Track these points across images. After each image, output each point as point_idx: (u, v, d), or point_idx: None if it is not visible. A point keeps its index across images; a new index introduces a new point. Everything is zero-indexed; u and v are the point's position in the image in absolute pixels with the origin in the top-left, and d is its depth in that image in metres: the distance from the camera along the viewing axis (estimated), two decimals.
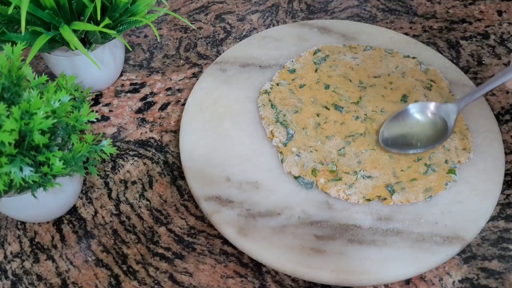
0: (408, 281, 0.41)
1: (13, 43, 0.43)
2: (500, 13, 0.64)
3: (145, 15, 0.48)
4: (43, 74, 0.39)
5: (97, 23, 0.45)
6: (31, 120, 0.33)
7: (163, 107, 0.54)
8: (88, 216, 0.45)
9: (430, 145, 0.46)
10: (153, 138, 0.51)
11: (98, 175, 0.48)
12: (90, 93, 0.51)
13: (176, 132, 0.51)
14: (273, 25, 0.63)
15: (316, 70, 0.53)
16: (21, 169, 0.34)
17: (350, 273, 0.39)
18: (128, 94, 0.55)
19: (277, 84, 0.52)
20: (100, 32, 0.45)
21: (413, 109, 0.48)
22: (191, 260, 0.42)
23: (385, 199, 0.43)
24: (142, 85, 0.56)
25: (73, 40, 0.42)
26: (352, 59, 0.54)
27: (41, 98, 0.36)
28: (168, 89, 0.55)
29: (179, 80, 0.56)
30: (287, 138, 0.47)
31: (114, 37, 0.49)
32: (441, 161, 0.45)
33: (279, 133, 0.47)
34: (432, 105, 0.48)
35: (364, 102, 0.50)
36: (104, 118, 0.53)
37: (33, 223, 0.44)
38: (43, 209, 0.42)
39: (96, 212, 0.45)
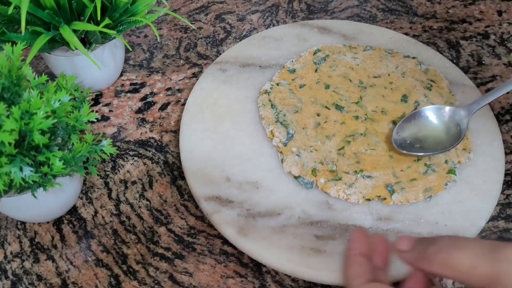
0: None
1: (13, 43, 0.43)
2: (500, 13, 0.64)
3: (145, 15, 0.48)
4: (43, 74, 0.39)
5: (97, 23, 0.45)
6: (31, 120, 0.33)
7: (163, 107, 0.54)
8: (88, 216, 0.45)
9: (443, 149, 0.45)
10: (153, 138, 0.51)
11: (98, 175, 0.48)
12: (90, 93, 0.51)
13: (176, 132, 0.51)
14: (273, 25, 0.63)
15: (316, 70, 0.53)
16: (21, 169, 0.34)
17: None
18: (128, 94, 0.55)
19: (277, 84, 0.52)
20: (100, 32, 0.45)
21: (427, 111, 0.48)
22: (191, 260, 0.42)
23: (384, 199, 0.43)
24: (142, 85, 0.56)
25: (73, 40, 0.42)
26: (352, 59, 0.54)
27: (41, 98, 0.36)
28: (168, 89, 0.55)
29: (179, 80, 0.56)
30: (287, 138, 0.47)
31: (114, 37, 0.49)
32: (441, 161, 0.45)
33: (279, 133, 0.47)
34: (446, 109, 0.48)
35: (364, 102, 0.50)
36: (104, 118, 0.53)
37: (33, 223, 0.44)
38: (43, 209, 0.42)
39: (96, 212, 0.45)
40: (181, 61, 0.58)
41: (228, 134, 0.48)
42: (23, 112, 0.33)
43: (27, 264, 0.42)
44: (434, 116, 0.48)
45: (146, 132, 0.51)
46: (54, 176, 0.36)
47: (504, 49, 0.59)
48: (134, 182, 0.47)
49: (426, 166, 0.45)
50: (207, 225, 0.44)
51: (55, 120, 0.35)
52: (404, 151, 0.45)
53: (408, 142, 0.46)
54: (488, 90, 0.55)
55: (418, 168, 0.45)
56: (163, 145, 0.50)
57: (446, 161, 0.45)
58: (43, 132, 0.34)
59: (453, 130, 0.47)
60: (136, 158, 0.49)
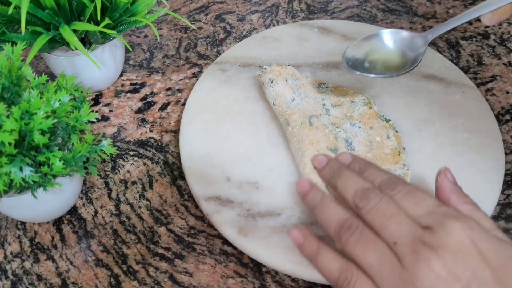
0: None
1: (13, 43, 0.43)
2: None
3: (145, 15, 0.48)
4: (43, 74, 0.39)
5: (97, 23, 0.45)
6: (31, 120, 0.33)
7: (163, 107, 0.54)
8: (88, 216, 0.45)
9: (394, 73, 0.45)
10: (153, 138, 0.51)
11: (98, 175, 0.48)
12: (90, 93, 0.51)
13: (176, 132, 0.51)
14: (273, 25, 0.63)
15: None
16: (21, 169, 0.34)
17: None
18: (128, 94, 0.55)
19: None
20: (100, 32, 0.45)
21: (384, 34, 0.47)
22: (191, 260, 0.42)
23: None
24: (142, 85, 0.56)
25: (73, 40, 0.42)
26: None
27: (41, 98, 0.36)
28: (168, 89, 0.55)
29: (179, 80, 0.56)
30: None
31: (114, 37, 0.49)
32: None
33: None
34: (404, 34, 0.46)
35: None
36: (104, 118, 0.53)
37: (33, 223, 0.44)
38: (43, 209, 0.42)
39: (96, 212, 0.45)
40: (181, 61, 0.58)
41: (228, 134, 0.48)
42: (23, 112, 0.33)
43: (27, 264, 0.42)
44: (390, 40, 0.47)
45: (146, 132, 0.51)
46: (54, 176, 0.36)
47: (504, 49, 0.59)
48: (134, 182, 0.47)
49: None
50: (207, 225, 0.44)
51: (55, 120, 0.35)
52: (357, 72, 0.45)
53: (360, 61, 0.46)
54: (488, 90, 0.55)
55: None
56: (163, 145, 0.50)
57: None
58: (43, 132, 0.34)
59: (408, 55, 0.46)
60: (136, 158, 0.49)
